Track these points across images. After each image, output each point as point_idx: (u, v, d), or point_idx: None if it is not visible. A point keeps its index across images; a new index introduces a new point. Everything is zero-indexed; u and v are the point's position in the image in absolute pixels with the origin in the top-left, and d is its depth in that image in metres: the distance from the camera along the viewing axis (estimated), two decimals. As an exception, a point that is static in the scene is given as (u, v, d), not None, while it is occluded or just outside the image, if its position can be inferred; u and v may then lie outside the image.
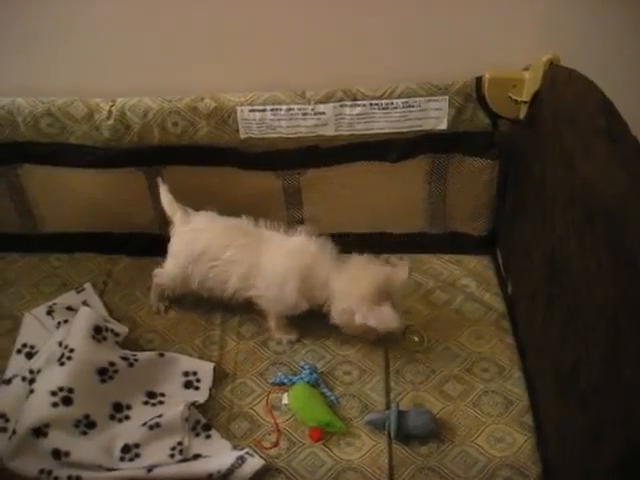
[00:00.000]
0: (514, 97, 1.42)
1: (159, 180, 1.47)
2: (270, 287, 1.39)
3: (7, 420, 1.29)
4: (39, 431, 1.23)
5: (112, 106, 1.48)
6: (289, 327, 1.45)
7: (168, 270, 1.47)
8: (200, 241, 1.41)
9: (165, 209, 1.48)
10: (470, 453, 1.25)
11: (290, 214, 1.62)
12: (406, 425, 1.26)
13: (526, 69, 1.40)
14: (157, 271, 1.51)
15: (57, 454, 1.22)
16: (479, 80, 1.44)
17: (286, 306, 1.40)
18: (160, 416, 1.28)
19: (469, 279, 1.59)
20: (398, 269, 1.39)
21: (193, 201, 1.52)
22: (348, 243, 1.47)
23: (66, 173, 1.57)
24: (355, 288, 1.34)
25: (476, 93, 1.44)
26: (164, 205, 1.48)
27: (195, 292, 1.47)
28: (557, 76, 1.31)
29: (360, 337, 1.42)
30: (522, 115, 1.44)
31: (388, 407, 1.32)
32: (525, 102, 1.41)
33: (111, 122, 1.48)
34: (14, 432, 1.24)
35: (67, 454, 1.22)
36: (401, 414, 1.27)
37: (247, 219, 1.44)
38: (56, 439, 1.23)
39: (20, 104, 1.49)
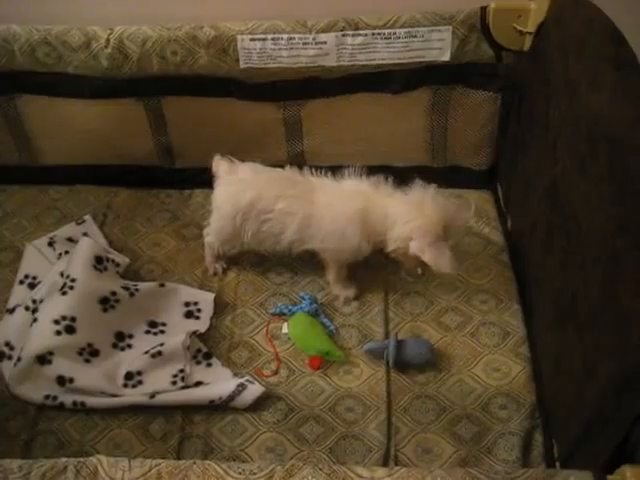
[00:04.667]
0: (519, 28, 1.40)
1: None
2: (330, 235, 1.33)
3: (12, 348, 1.32)
4: (43, 358, 1.26)
5: (110, 34, 1.45)
6: (348, 282, 1.42)
7: (214, 225, 1.42)
8: (248, 192, 1.35)
9: (213, 168, 1.41)
10: (467, 382, 1.28)
11: (290, 146, 1.61)
12: (404, 354, 1.28)
13: (532, -1, 1.38)
14: (206, 230, 1.47)
15: (62, 380, 1.25)
16: (484, 10, 1.41)
17: (348, 252, 1.35)
18: (162, 345, 1.30)
19: (469, 213, 1.59)
20: (463, 206, 1.32)
21: (193, 132, 1.51)
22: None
23: (64, 104, 1.55)
24: (417, 216, 1.26)
25: (480, 23, 1.42)
26: (213, 166, 1.41)
27: (249, 249, 1.45)
28: (564, 5, 1.28)
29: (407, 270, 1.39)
30: (527, 47, 1.42)
31: (387, 337, 1.34)
32: (530, 33, 1.39)
33: (109, 51, 1.45)
34: (19, 359, 1.26)
35: (71, 380, 1.25)
36: (399, 343, 1.29)
37: (292, 168, 1.39)
38: (60, 366, 1.26)
39: (16, 31, 1.46)
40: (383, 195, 1.32)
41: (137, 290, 1.38)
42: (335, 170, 1.38)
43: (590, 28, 1.15)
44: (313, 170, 1.38)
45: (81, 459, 0.86)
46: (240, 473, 0.84)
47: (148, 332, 1.36)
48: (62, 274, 1.37)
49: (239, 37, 1.43)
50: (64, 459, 0.86)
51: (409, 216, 1.27)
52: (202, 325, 1.36)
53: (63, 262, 1.42)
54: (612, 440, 0.90)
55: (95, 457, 0.86)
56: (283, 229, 1.35)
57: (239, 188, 1.37)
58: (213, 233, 1.44)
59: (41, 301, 1.35)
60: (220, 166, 1.40)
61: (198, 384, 1.27)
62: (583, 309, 1.05)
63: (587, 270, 1.04)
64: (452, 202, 1.33)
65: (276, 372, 1.30)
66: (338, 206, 1.32)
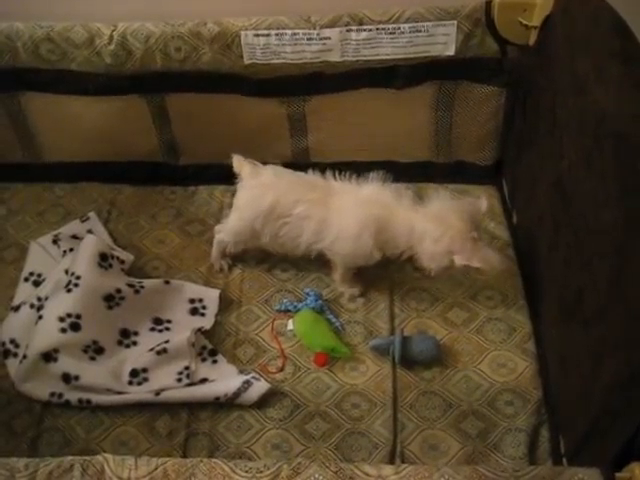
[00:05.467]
0: (524, 22, 1.39)
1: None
2: (342, 240, 1.33)
3: (17, 346, 1.32)
4: (49, 356, 1.26)
5: (113, 31, 1.44)
6: (354, 281, 1.42)
7: (232, 224, 1.42)
8: (268, 196, 1.34)
9: (235, 168, 1.41)
10: (473, 378, 1.27)
11: (294, 142, 1.61)
12: (410, 350, 1.28)
13: (538, -8, 1.37)
14: (218, 227, 1.46)
15: (67, 378, 1.25)
16: (489, 4, 1.40)
17: (360, 258, 1.35)
18: (167, 342, 1.30)
19: (474, 208, 1.58)
20: (477, 202, 1.32)
21: (197, 129, 1.50)
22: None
23: (68, 101, 1.55)
24: (445, 230, 1.26)
25: (485, 18, 1.41)
26: (234, 166, 1.41)
27: (258, 248, 1.43)
28: (569, -2, 1.27)
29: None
30: (532, 41, 1.41)
31: (392, 333, 1.34)
32: (536, 27, 1.38)
33: (112, 47, 1.44)
34: (25, 357, 1.26)
35: (77, 378, 1.25)
36: (405, 340, 1.28)
37: (315, 172, 1.39)
38: (65, 364, 1.26)
39: (19, 28, 1.45)
40: (406, 207, 1.31)
41: (142, 287, 1.38)
42: (352, 167, 1.38)
43: (596, 22, 1.14)
44: (337, 174, 1.37)
45: (87, 458, 0.86)
46: (247, 471, 0.84)
47: (153, 329, 1.36)
48: (67, 271, 1.37)
49: (243, 33, 1.42)
50: (70, 458, 0.86)
51: (437, 232, 1.27)
52: (207, 322, 1.36)
53: (68, 259, 1.42)
54: (620, 436, 0.90)
55: (101, 455, 0.86)
56: (300, 233, 1.35)
57: (260, 192, 1.36)
58: (228, 232, 1.43)
59: (46, 299, 1.35)
60: (243, 168, 1.40)
61: (203, 381, 1.27)
62: (589, 305, 1.05)
63: (594, 266, 1.04)
64: (466, 201, 1.34)
65: (282, 369, 1.30)
66: (353, 213, 1.31)
